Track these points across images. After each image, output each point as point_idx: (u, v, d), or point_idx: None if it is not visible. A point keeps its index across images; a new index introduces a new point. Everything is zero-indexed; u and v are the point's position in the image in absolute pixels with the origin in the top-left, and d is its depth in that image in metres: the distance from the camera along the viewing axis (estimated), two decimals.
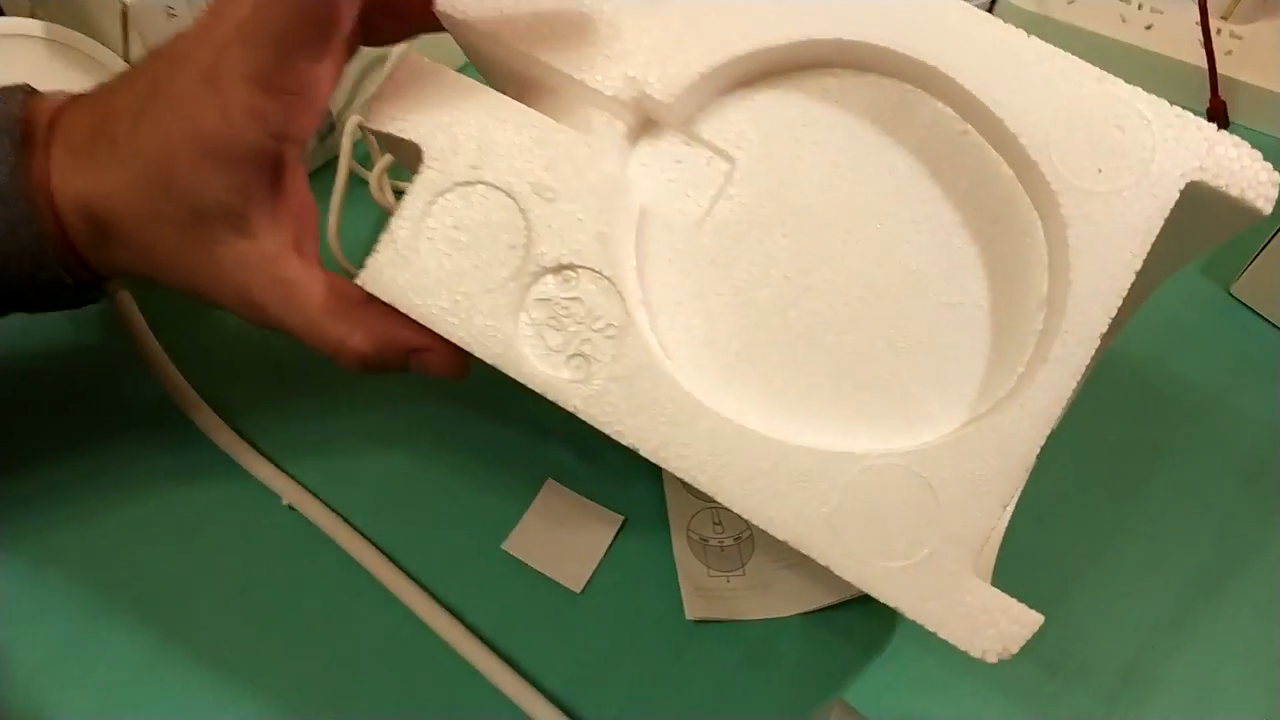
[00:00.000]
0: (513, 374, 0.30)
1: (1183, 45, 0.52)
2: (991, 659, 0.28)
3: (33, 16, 0.41)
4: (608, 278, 0.30)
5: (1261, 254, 0.45)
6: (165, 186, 0.29)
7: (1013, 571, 0.32)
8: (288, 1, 0.28)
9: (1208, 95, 0.52)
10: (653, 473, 0.41)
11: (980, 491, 0.28)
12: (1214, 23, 0.52)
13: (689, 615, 0.37)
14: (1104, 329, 0.29)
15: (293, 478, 0.40)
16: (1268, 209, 0.29)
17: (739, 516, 0.39)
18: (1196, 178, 0.29)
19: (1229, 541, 0.40)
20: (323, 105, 0.30)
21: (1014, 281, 0.30)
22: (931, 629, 0.28)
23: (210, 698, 0.36)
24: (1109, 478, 0.41)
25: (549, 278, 0.30)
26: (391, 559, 0.38)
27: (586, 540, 0.39)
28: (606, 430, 0.29)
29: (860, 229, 0.31)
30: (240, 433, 0.41)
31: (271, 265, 0.31)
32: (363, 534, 0.39)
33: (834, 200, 0.31)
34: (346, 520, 0.39)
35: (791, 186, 0.31)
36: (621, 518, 0.40)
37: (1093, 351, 0.29)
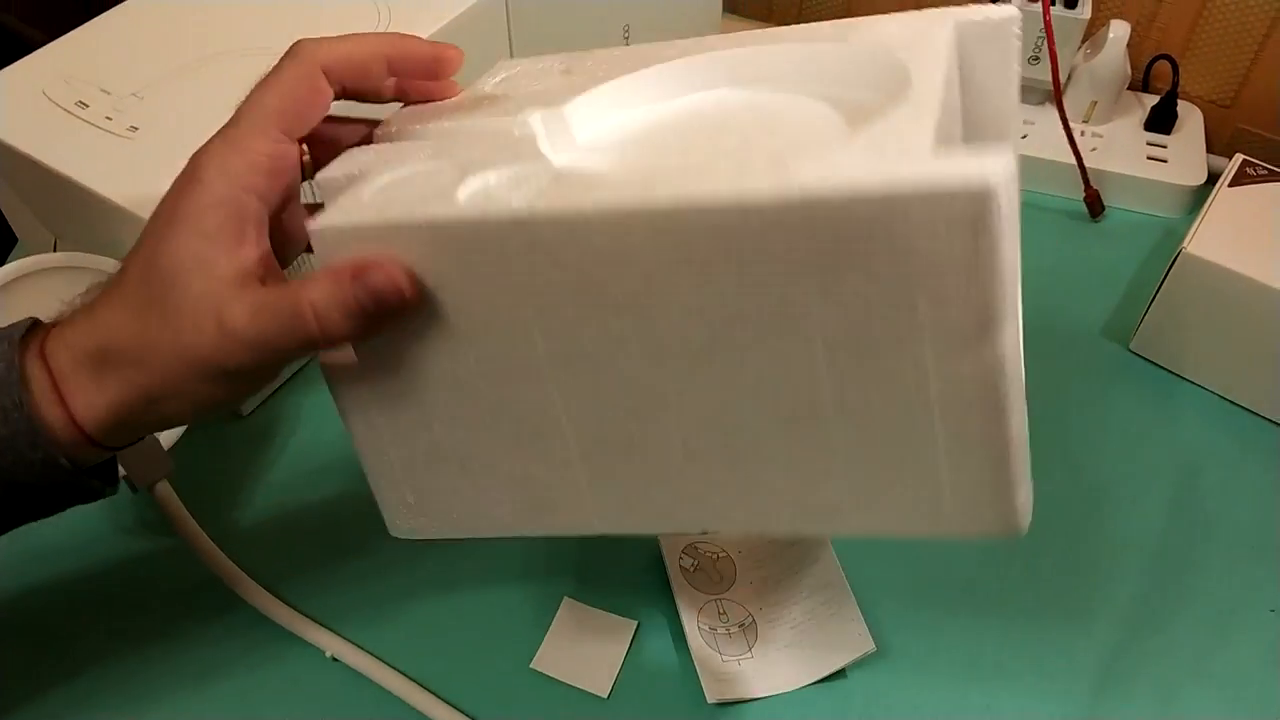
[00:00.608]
0: (466, 236, 0.28)
1: (1055, 148, 0.60)
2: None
3: (55, 250, 0.47)
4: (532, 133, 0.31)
5: (1150, 310, 0.52)
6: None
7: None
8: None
9: (1081, 186, 0.60)
10: (658, 578, 0.45)
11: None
12: (1077, 126, 0.61)
13: (709, 699, 0.41)
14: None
15: (333, 631, 0.44)
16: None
17: (741, 605, 0.44)
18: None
19: (1158, 581, 0.45)
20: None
21: None
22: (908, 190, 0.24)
23: None
24: (1016, 559, 0.46)
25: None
26: (433, 692, 0.42)
27: (607, 648, 0.43)
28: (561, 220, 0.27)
29: None
30: (279, 597, 0.45)
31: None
32: (402, 673, 0.42)
33: None
34: (386, 662, 0.43)
35: None
36: (635, 623, 0.44)
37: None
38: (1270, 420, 0.50)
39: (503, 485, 0.33)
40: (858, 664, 0.42)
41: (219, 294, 0.29)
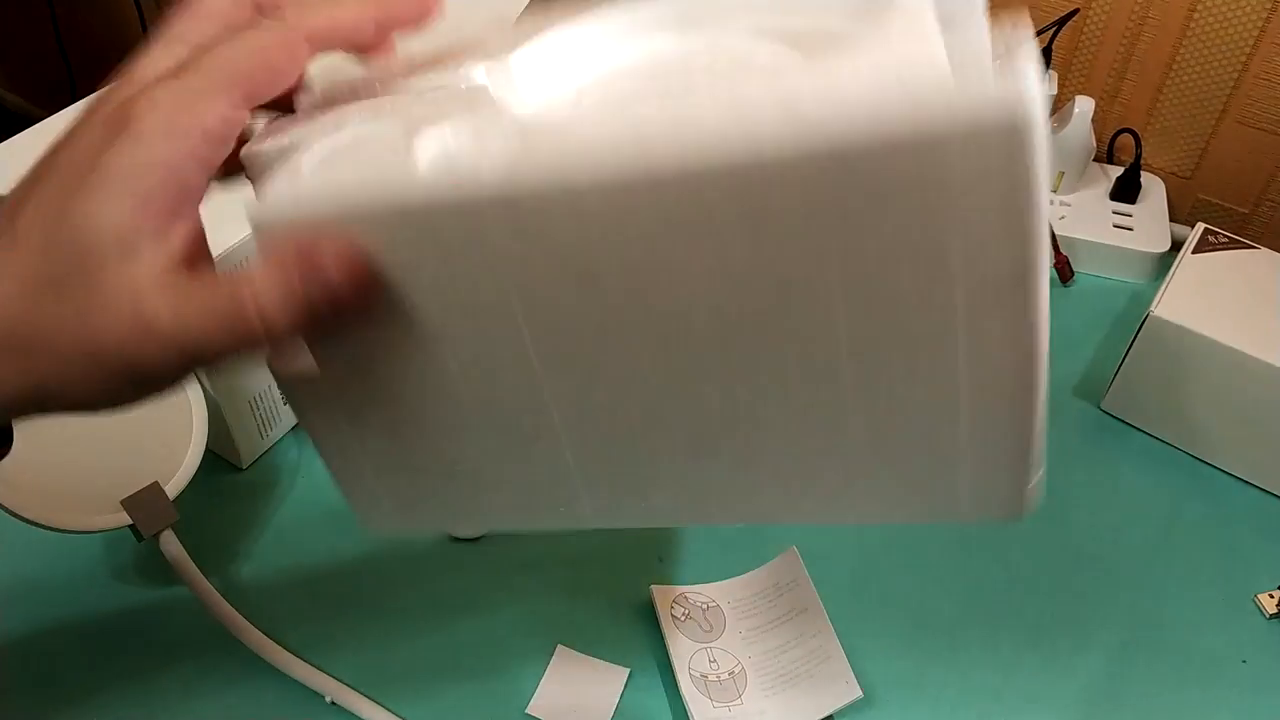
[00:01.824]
0: (436, 215, 0.24)
1: None
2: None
3: None
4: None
5: (1120, 370, 0.54)
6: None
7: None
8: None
9: (1053, 254, 0.63)
10: (650, 626, 0.46)
11: None
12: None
13: None
14: None
15: (332, 676, 0.44)
16: None
17: (731, 653, 0.45)
18: None
19: (1134, 634, 0.47)
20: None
21: None
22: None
23: None
24: (998, 609, 0.48)
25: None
26: None
27: (600, 693, 0.44)
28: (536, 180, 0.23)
29: None
30: (281, 643, 0.46)
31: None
32: (401, 717, 0.43)
33: None
34: (385, 706, 0.44)
35: None
36: (627, 670, 0.45)
37: None
38: (1237, 477, 0.52)
39: (487, 485, 0.30)
40: (845, 711, 0.43)
41: (141, 278, 0.24)
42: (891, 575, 0.49)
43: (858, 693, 0.43)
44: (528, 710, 0.44)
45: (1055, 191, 0.66)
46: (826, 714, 0.43)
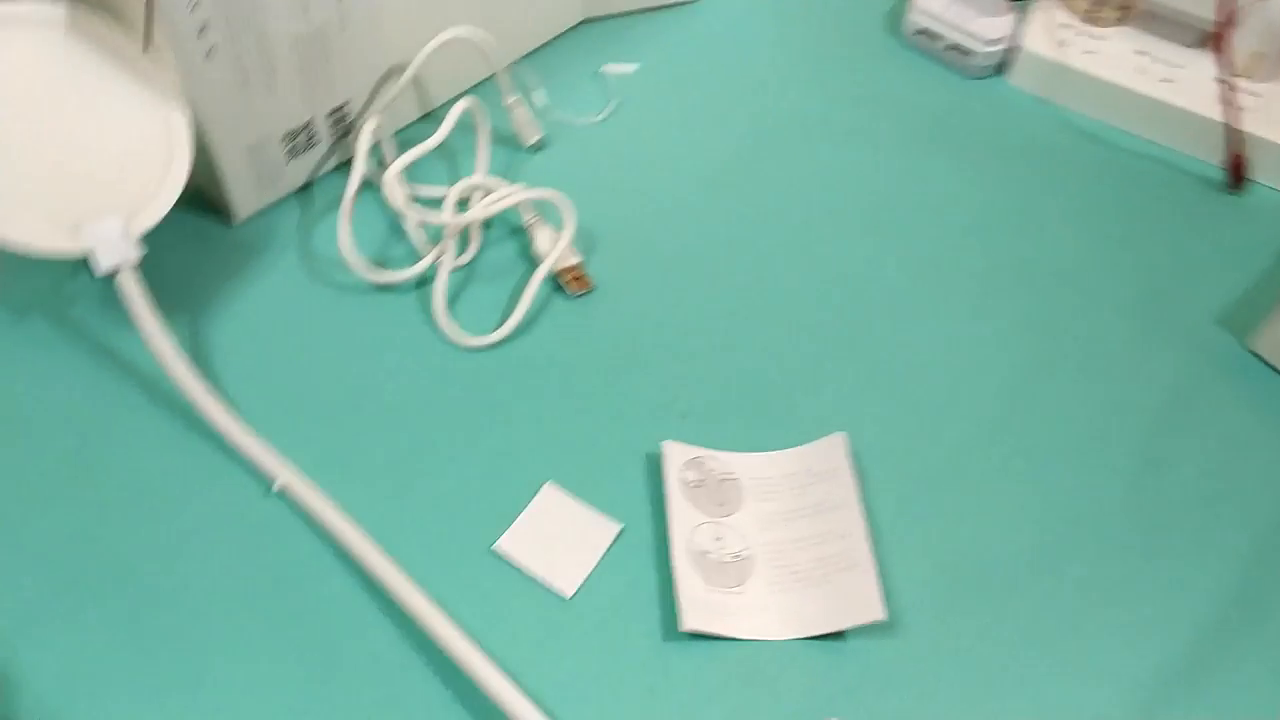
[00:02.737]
0: None
1: (1201, 100, 0.52)
2: None
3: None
4: None
5: None
6: None
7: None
8: None
9: (1223, 150, 0.52)
10: (655, 485, 0.40)
11: None
12: (1233, 79, 0.52)
13: (683, 626, 0.35)
14: None
15: (287, 461, 0.39)
16: None
17: (741, 534, 0.38)
18: None
19: (1245, 598, 0.39)
20: None
21: None
22: None
23: (176, 675, 0.34)
24: (1070, 559, 0.40)
25: None
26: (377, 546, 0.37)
27: (582, 545, 0.38)
28: None
29: None
30: (238, 415, 0.40)
31: None
32: (351, 521, 0.37)
33: None
34: (335, 507, 0.38)
35: None
36: (620, 525, 0.38)
37: None
38: None
39: None
40: (860, 632, 0.36)
41: None
42: (955, 491, 0.41)
43: (880, 615, 0.35)
44: (494, 546, 0.37)
45: (1245, 76, 0.54)
46: (839, 629, 0.36)
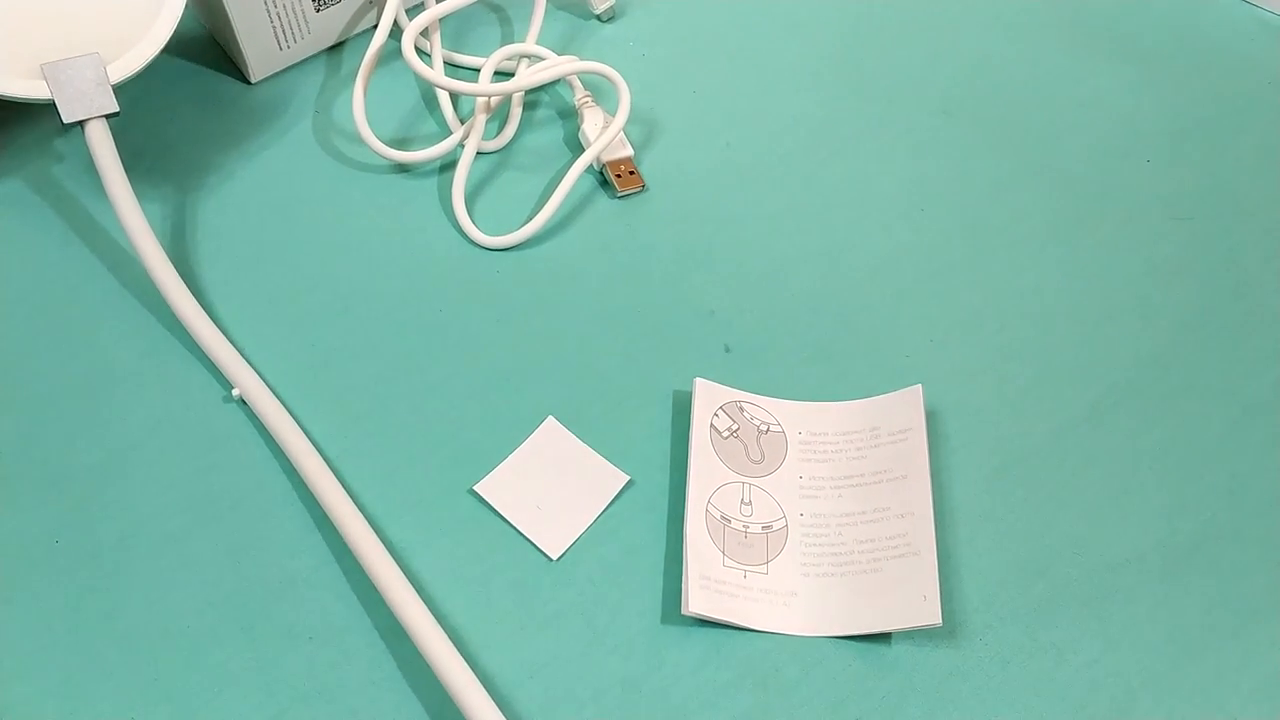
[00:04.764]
0: None
1: None
2: None
3: None
4: None
5: None
6: None
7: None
8: None
9: None
10: (679, 432, 0.33)
11: None
12: None
13: (687, 609, 0.29)
14: None
15: (253, 369, 0.33)
16: None
17: (777, 500, 0.31)
18: None
19: None
20: None
21: None
22: None
23: (112, 581, 0.30)
24: (1187, 574, 0.31)
25: None
26: (335, 471, 0.32)
27: (579, 497, 0.31)
28: None
29: None
30: (207, 309, 0.35)
31: None
32: (315, 445, 0.32)
33: None
34: (300, 425, 0.32)
35: None
36: (627, 477, 0.32)
37: None
38: None
39: None
40: (909, 636, 0.29)
41: None
42: (1058, 472, 0.32)
43: (936, 619, 0.28)
44: (475, 486, 0.31)
45: None
46: (882, 630, 0.29)
